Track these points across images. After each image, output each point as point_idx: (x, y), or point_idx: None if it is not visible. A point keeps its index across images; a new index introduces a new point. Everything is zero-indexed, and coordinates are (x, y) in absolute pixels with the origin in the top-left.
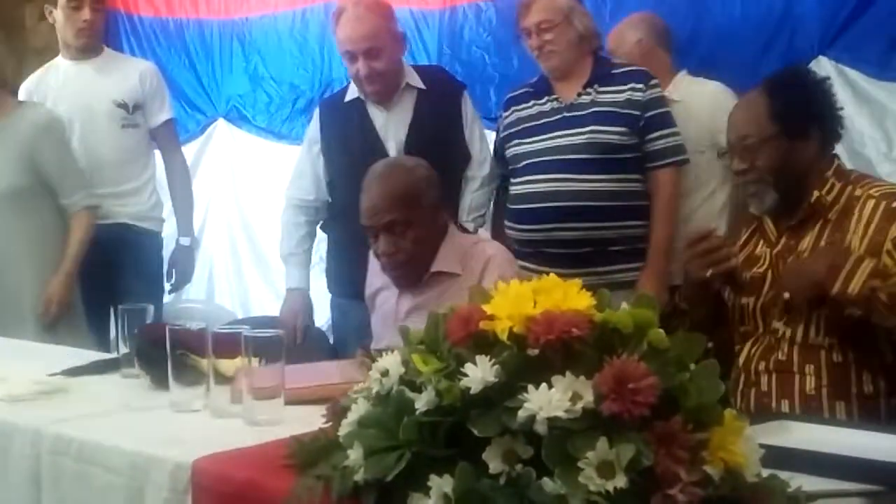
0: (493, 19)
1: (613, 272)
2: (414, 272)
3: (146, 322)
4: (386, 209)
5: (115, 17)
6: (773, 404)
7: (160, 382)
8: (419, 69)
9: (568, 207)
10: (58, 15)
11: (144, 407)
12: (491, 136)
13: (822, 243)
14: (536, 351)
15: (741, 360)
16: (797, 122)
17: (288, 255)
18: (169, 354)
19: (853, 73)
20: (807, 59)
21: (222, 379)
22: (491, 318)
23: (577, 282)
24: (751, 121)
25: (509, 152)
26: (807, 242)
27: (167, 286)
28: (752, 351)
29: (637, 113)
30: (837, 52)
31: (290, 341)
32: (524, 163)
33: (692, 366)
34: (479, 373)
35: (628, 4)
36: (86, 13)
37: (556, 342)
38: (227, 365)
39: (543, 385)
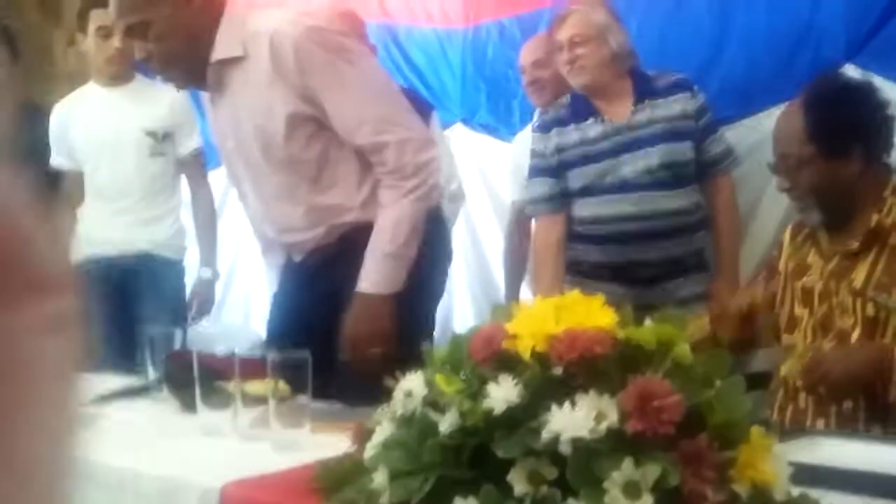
0: (516, 37)
1: (684, 286)
2: (182, 69)
3: (174, 347)
4: (121, 15)
5: None
6: (809, 422)
7: (189, 406)
8: None
9: (646, 228)
10: (88, 42)
11: (173, 431)
12: (507, 149)
13: (878, 274)
14: (560, 370)
15: (782, 373)
16: (835, 141)
17: None
18: (197, 379)
19: (882, 81)
20: (834, 67)
21: (251, 401)
22: (513, 337)
23: (600, 297)
24: (789, 140)
25: (571, 180)
26: (862, 271)
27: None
28: (794, 365)
29: (692, 124)
30: (865, 59)
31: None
32: (593, 186)
33: (718, 382)
34: (502, 393)
35: (652, 19)
36: (116, 41)
37: (579, 360)
38: (255, 388)
39: (567, 404)
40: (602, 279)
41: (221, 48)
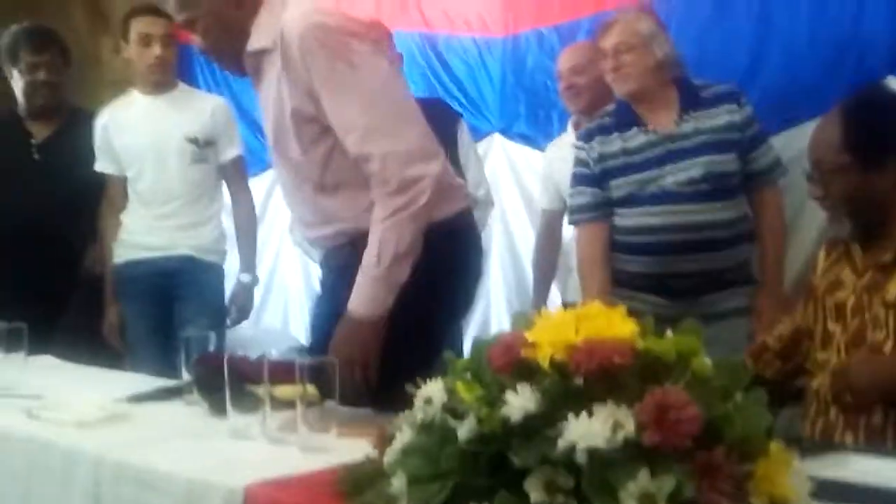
0: (555, 46)
1: (727, 299)
2: (229, 59)
3: (209, 350)
4: (174, 13)
5: (190, 52)
6: (838, 435)
7: (219, 409)
8: (419, 101)
9: (687, 240)
10: (131, 50)
11: (203, 433)
12: (538, 158)
13: None
14: (579, 380)
15: (814, 387)
16: (872, 152)
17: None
18: (227, 382)
19: None
20: (877, 79)
21: (280, 405)
22: (533, 345)
23: (621, 308)
24: (825, 147)
25: (613, 190)
26: (894, 287)
27: (228, 320)
28: (825, 381)
29: (738, 135)
30: None
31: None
32: (634, 196)
33: (738, 395)
34: (520, 401)
35: (692, 28)
36: (157, 49)
37: (598, 370)
38: (284, 392)
39: (584, 414)
40: (641, 290)
41: (255, 39)
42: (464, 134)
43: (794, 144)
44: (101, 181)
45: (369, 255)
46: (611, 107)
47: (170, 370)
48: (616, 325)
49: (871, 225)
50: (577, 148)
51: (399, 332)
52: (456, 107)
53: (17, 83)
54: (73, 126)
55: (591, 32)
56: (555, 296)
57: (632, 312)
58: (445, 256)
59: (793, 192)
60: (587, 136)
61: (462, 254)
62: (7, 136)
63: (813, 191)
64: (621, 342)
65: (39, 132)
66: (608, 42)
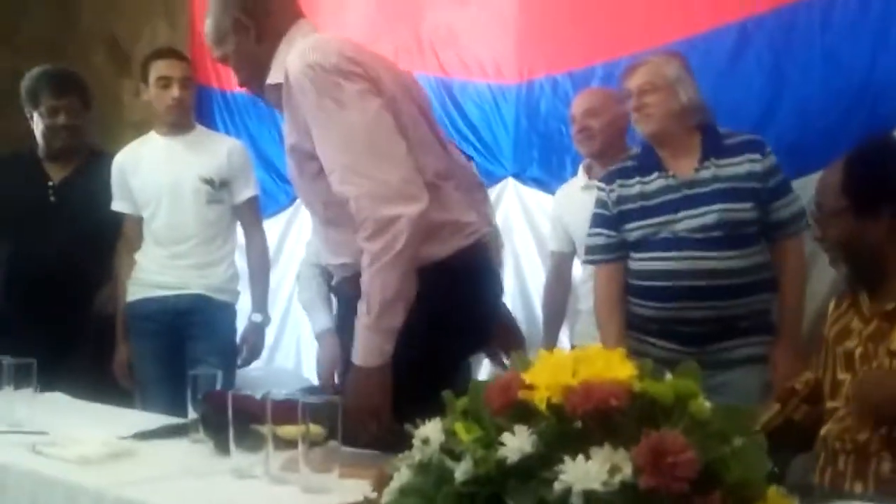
0: (569, 92)
1: (741, 346)
2: (260, 92)
3: (216, 388)
4: (212, 49)
5: (209, 94)
6: (847, 485)
7: (224, 448)
8: None
9: (697, 287)
10: (150, 92)
11: (206, 472)
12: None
13: None
14: (576, 422)
15: (822, 435)
16: (867, 198)
17: (307, 301)
18: (231, 421)
19: None
20: (890, 128)
21: (283, 445)
22: (530, 386)
23: (621, 350)
24: (826, 190)
25: (628, 233)
26: None
27: (238, 360)
28: (833, 428)
29: (758, 185)
30: None
31: (328, 388)
32: (648, 240)
33: (737, 439)
34: (517, 442)
35: (705, 78)
36: (175, 91)
37: (594, 412)
38: (287, 431)
39: (581, 457)
40: (651, 334)
41: (272, 74)
42: None
43: (806, 193)
44: (116, 222)
45: (361, 305)
46: (635, 150)
47: (179, 409)
48: (614, 367)
49: (866, 271)
50: (599, 189)
51: (402, 372)
52: (471, 151)
53: (38, 126)
54: (90, 168)
55: (605, 79)
56: (565, 339)
57: (642, 356)
58: (442, 296)
59: (807, 242)
60: (609, 178)
61: (462, 293)
62: (26, 177)
63: (815, 231)
64: (618, 384)
65: (57, 174)
66: (634, 82)
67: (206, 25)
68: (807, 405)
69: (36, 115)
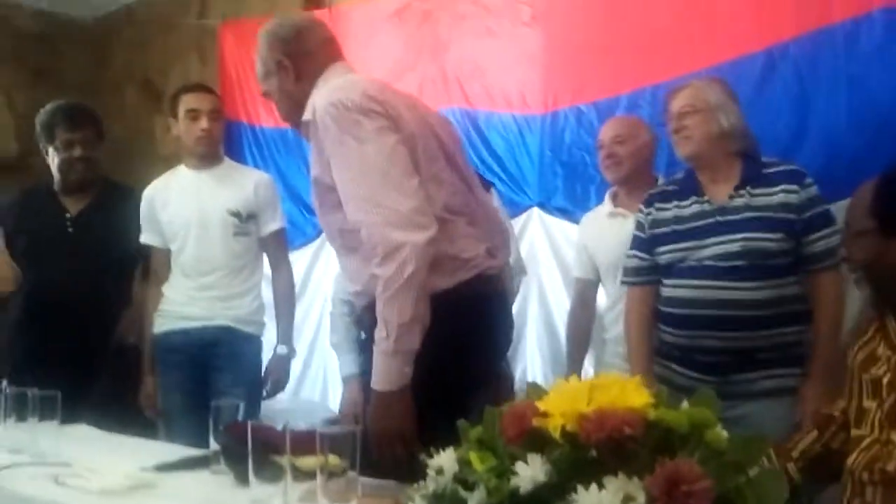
0: (594, 121)
1: (764, 378)
2: (293, 124)
3: (238, 419)
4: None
5: (238, 128)
6: None
7: (244, 479)
8: None
9: (712, 316)
10: (179, 126)
11: (226, 503)
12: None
13: None
14: (591, 451)
15: (849, 466)
16: (892, 219)
17: (336, 344)
18: (250, 451)
19: None
20: None
21: (303, 476)
22: (544, 415)
23: (637, 379)
24: (854, 211)
25: (659, 256)
26: None
27: (263, 391)
28: (859, 458)
29: (793, 216)
30: None
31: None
32: (675, 266)
33: (753, 469)
34: (530, 471)
35: None
36: (203, 123)
37: (608, 440)
38: (306, 462)
39: (594, 486)
40: (674, 360)
41: (306, 111)
42: (494, 202)
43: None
44: (134, 252)
45: (378, 331)
46: (679, 174)
47: (204, 440)
48: (629, 394)
49: (891, 293)
50: (639, 211)
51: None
52: (496, 182)
53: (53, 160)
54: (106, 199)
55: (630, 108)
56: (591, 368)
57: (666, 383)
58: (447, 327)
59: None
60: (649, 201)
61: (468, 324)
62: (43, 210)
63: (841, 251)
64: (632, 412)
65: (73, 206)
66: (675, 105)
67: (256, 64)
68: (844, 432)
69: (51, 150)
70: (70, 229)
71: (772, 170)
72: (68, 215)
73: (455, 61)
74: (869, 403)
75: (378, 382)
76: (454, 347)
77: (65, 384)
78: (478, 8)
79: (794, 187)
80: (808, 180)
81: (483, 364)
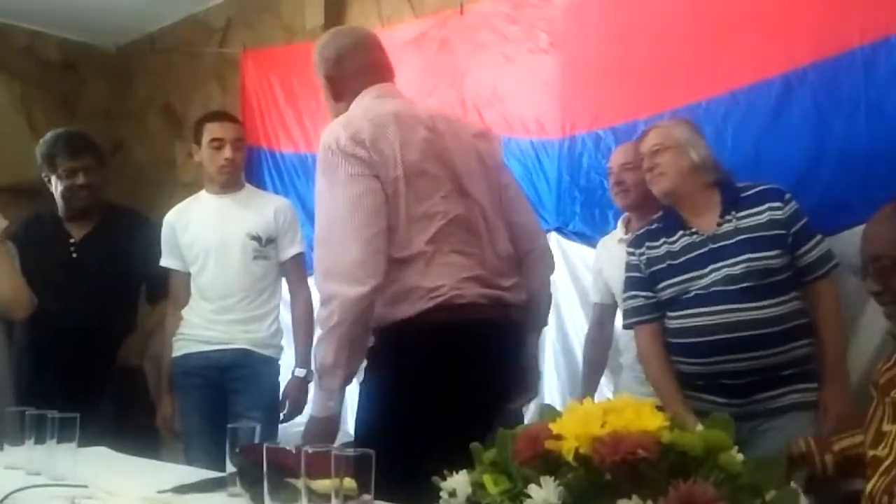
0: (611, 146)
1: (788, 393)
2: None
3: (254, 441)
4: None
5: (258, 154)
6: None
7: (259, 501)
8: None
9: (733, 339)
10: (202, 153)
11: None
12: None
13: None
14: (605, 473)
15: (868, 490)
16: None
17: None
18: (265, 473)
19: None
20: None
21: (317, 498)
22: (558, 437)
23: (652, 401)
24: (883, 240)
25: (661, 292)
26: None
27: (281, 414)
28: (878, 483)
29: (783, 232)
30: None
31: None
32: (680, 299)
33: (770, 493)
34: (543, 494)
35: (748, 131)
36: (227, 152)
37: (622, 463)
38: (321, 484)
39: None
40: (698, 390)
41: None
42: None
43: (851, 246)
44: (137, 277)
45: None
46: (659, 214)
47: (222, 462)
48: (644, 417)
49: None
50: (629, 254)
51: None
52: None
53: (56, 188)
54: (110, 223)
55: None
56: (609, 393)
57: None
58: (409, 356)
59: (853, 293)
60: (637, 243)
61: (428, 352)
62: (48, 236)
63: (869, 286)
64: (646, 435)
65: (77, 231)
66: (646, 145)
67: None
68: None
69: (54, 178)
70: (74, 254)
71: (749, 192)
72: (72, 241)
73: (473, 88)
74: (889, 427)
75: (312, 408)
76: (417, 375)
77: (68, 408)
78: (495, 36)
79: (779, 204)
80: (788, 195)
81: (454, 392)
